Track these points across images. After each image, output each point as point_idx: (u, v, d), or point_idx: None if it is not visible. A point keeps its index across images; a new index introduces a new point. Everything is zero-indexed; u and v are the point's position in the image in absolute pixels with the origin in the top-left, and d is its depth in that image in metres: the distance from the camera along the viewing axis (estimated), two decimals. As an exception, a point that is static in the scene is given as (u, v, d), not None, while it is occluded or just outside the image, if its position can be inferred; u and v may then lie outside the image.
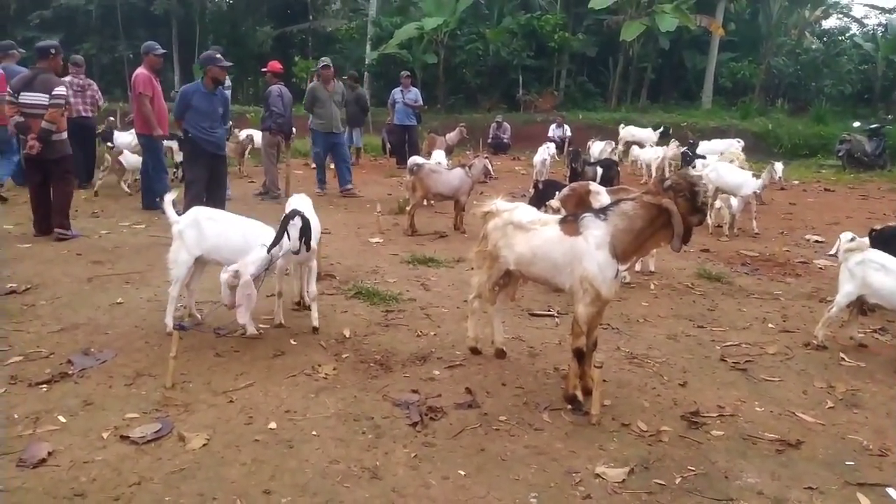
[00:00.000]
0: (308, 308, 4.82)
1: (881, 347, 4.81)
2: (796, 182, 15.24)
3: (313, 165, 12.79)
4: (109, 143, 10.81)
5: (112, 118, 15.24)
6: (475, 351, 4.30)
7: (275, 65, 10.32)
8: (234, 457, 3.01)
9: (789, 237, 8.86)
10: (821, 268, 7.11)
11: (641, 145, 15.85)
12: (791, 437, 3.36)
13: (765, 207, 10.67)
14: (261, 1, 36.28)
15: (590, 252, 3.41)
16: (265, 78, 10.37)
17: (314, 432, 3.25)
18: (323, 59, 11.12)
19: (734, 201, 8.61)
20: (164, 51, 8.53)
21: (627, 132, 16.74)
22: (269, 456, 3.03)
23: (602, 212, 3.51)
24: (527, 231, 3.71)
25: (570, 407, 3.61)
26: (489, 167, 8.51)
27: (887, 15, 31.73)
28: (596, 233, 3.42)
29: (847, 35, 30.62)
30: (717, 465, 3.10)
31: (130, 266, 6.06)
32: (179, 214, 4.53)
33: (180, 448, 3.06)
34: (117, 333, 4.43)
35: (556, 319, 5.11)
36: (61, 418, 3.28)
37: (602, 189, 5.97)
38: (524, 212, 3.86)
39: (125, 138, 10.93)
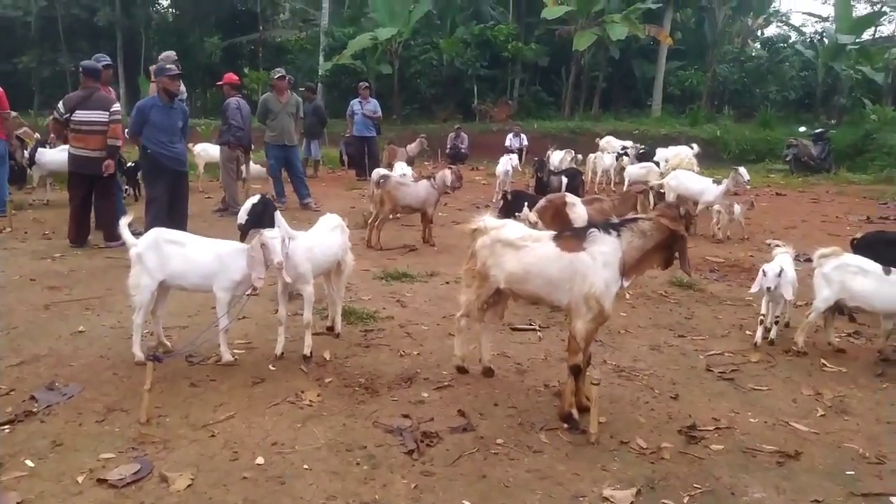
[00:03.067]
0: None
1: (858, 351, 4.88)
2: (748, 187, 15.59)
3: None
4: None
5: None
6: (462, 370, 4.19)
7: (231, 77, 10.03)
8: (222, 497, 2.83)
9: (750, 242, 9.02)
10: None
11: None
12: (789, 448, 3.35)
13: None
14: (208, 12, 35.56)
15: (596, 269, 3.37)
16: (222, 90, 10.07)
17: (305, 466, 3.08)
18: (277, 69, 10.87)
19: (737, 207, 8.90)
20: (109, 62, 8.20)
21: (607, 143, 16.90)
22: (260, 494, 2.86)
23: (613, 227, 3.47)
24: (517, 248, 3.63)
25: (566, 426, 3.53)
26: (456, 177, 8.41)
27: (824, 23, 33.03)
28: (604, 249, 3.39)
29: (789, 43, 31.66)
30: (721, 481, 3.05)
31: (89, 291, 5.76)
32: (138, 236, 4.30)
33: (164, 490, 2.86)
34: (82, 365, 4.16)
35: (539, 333, 5.04)
36: (29, 462, 3.03)
37: (577, 200, 5.95)
38: (513, 228, 3.79)
39: (54, 156, 9.97)
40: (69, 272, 6.33)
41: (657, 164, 12.73)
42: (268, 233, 3.96)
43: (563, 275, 3.47)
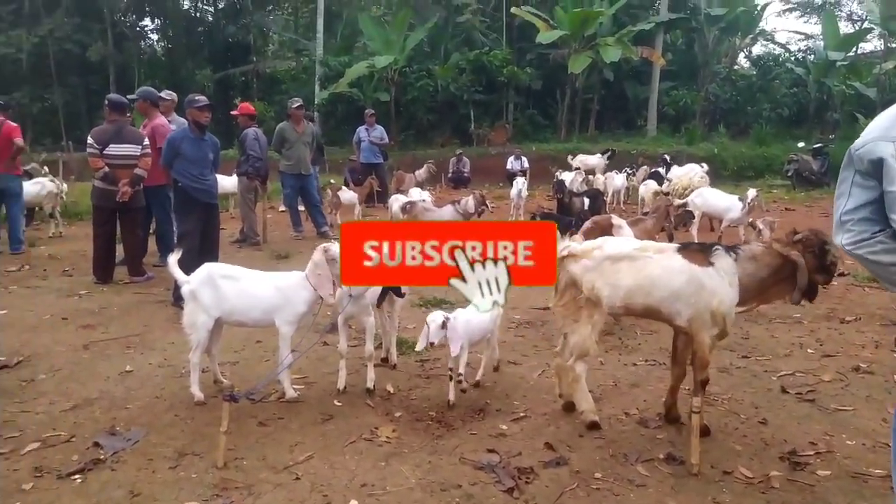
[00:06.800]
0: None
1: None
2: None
3: (282, 209, 12.40)
4: None
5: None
6: (595, 425, 3.69)
7: (247, 107, 9.97)
8: (325, 546, 2.66)
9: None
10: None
11: (593, 172, 16.09)
12: (899, 472, 3.21)
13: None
14: (199, 44, 35.66)
15: (724, 285, 3.35)
16: (237, 121, 9.99)
17: (404, 509, 2.92)
18: (295, 98, 10.78)
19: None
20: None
21: (579, 160, 16.94)
22: (364, 541, 2.69)
23: (732, 249, 3.42)
24: (635, 260, 3.50)
25: (661, 457, 3.38)
26: (480, 202, 8.39)
27: (809, 41, 33.58)
28: (728, 268, 3.37)
29: (780, 61, 32.07)
30: (842, 511, 2.92)
31: (125, 328, 5.57)
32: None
33: (262, 540, 2.69)
34: (139, 407, 3.98)
35: (600, 358, 4.89)
36: (110, 516, 2.86)
37: (624, 223, 5.86)
38: (618, 242, 3.71)
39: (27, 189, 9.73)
40: (100, 309, 6.13)
41: (669, 182, 12.75)
42: (334, 247, 3.86)
43: (688, 287, 3.38)
